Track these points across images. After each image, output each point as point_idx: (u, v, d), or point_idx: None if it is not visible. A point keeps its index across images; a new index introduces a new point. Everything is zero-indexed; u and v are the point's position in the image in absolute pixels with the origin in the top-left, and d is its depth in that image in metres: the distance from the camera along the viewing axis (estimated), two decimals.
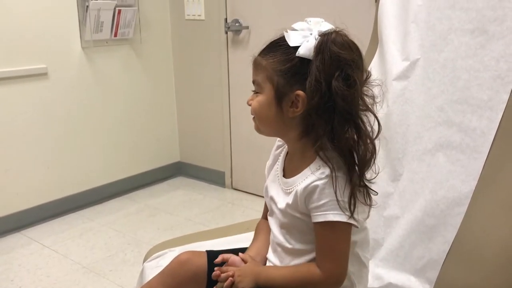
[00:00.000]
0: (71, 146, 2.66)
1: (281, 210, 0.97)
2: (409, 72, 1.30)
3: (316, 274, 0.90)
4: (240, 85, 2.80)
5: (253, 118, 0.97)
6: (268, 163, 1.06)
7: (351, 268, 0.94)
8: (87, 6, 2.51)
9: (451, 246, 1.09)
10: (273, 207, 1.00)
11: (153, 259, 1.29)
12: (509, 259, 1.01)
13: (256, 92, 0.94)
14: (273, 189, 1.01)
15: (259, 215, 1.15)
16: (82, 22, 2.57)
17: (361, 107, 0.86)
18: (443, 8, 1.26)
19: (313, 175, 0.88)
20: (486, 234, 1.06)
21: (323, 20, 0.89)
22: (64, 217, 2.63)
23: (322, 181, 0.87)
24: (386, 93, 1.32)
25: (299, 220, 0.94)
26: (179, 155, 3.27)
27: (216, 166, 3.06)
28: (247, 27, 2.67)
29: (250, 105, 0.95)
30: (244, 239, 1.28)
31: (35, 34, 2.42)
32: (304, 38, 0.86)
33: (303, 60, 0.85)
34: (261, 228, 1.10)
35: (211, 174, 3.08)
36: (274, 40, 0.92)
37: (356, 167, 0.88)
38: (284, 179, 0.97)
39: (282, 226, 0.98)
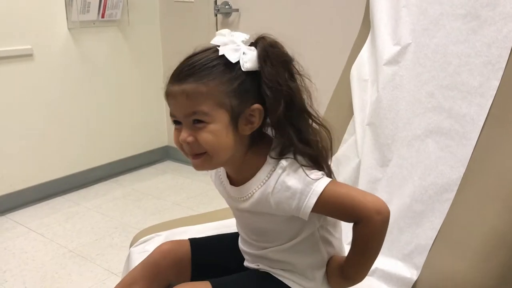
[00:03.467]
0: (57, 129, 2.63)
1: (245, 218, 0.93)
2: (400, 57, 1.29)
3: (362, 225, 0.82)
4: None
5: (197, 155, 0.84)
6: (212, 175, 1.00)
7: (332, 250, 0.93)
8: None
9: (438, 232, 1.09)
10: (240, 217, 0.96)
11: (139, 244, 1.27)
12: (496, 246, 1.02)
13: (197, 123, 0.81)
14: (229, 201, 0.95)
15: None
16: (68, 3, 2.51)
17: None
18: None
19: (272, 175, 0.83)
20: (474, 220, 1.06)
21: (230, 31, 0.85)
22: (49, 201, 2.60)
23: (283, 175, 0.82)
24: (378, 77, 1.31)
25: (268, 223, 0.90)
26: (167, 139, 3.24)
27: None
28: (237, 10, 2.63)
29: (188, 142, 0.82)
30: (231, 224, 1.27)
31: (20, 15, 2.37)
32: (237, 52, 0.81)
33: (249, 74, 0.81)
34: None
35: None
36: (196, 61, 0.82)
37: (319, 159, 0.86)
38: (235, 188, 0.90)
39: (252, 231, 0.95)
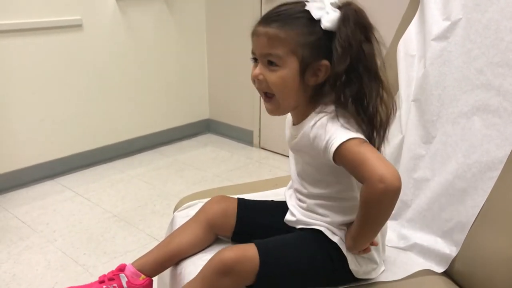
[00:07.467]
0: (104, 98, 2.71)
1: (294, 156, 1.04)
2: (449, 33, 1.26)
3: (364, 186, 0.86)
4: None
5: (267, 97, 0.95)
6: (287, 120, 1.09)
7: None
8: None
9: (480, 210, 1.08)
10: (290, 155, 1.07)
11: (183, 209, 1.32)
12: None
13: (270, 64, 0.92)
14: (289, 140, 1.04)
15: (285, 173, 1.17)
16: None
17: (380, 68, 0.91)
18: None
19: (319, 114, 0.92)
20: None
21: None
22: (96, 167, 2.71)
23: (326, 117, 0.90)
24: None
25: (309, 165, 0.99)
26: (209, 113, 3.29)
27: (244, 125, 3.07)
28: None
29: (258, 78, 0.94)
30: (272, 195, 1.30)
31: None
32: (321, 10, 0.88)
33: (327, 32, 0.89)
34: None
35: (240, 133, 3.10)
36: (284, 10, 0.92)
37: (375, 131, 0.92)
38: (294, 127, 1.00)
39: (298, 174, 1.04)
